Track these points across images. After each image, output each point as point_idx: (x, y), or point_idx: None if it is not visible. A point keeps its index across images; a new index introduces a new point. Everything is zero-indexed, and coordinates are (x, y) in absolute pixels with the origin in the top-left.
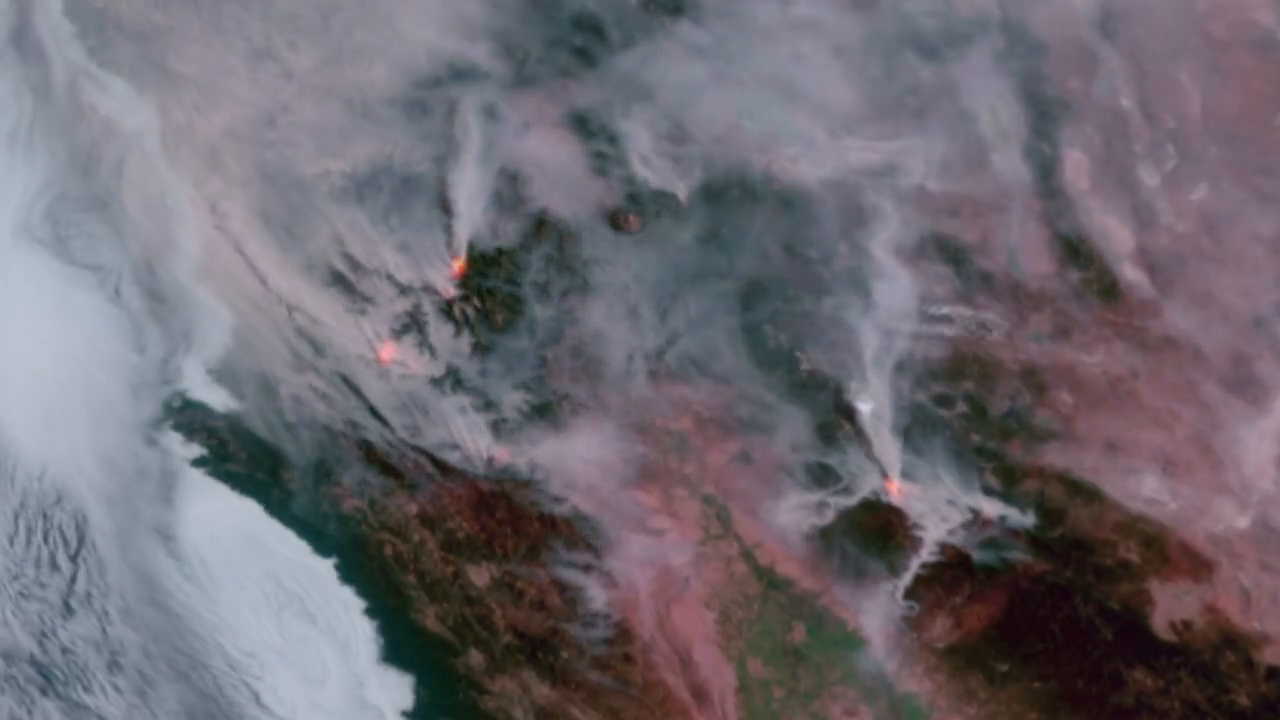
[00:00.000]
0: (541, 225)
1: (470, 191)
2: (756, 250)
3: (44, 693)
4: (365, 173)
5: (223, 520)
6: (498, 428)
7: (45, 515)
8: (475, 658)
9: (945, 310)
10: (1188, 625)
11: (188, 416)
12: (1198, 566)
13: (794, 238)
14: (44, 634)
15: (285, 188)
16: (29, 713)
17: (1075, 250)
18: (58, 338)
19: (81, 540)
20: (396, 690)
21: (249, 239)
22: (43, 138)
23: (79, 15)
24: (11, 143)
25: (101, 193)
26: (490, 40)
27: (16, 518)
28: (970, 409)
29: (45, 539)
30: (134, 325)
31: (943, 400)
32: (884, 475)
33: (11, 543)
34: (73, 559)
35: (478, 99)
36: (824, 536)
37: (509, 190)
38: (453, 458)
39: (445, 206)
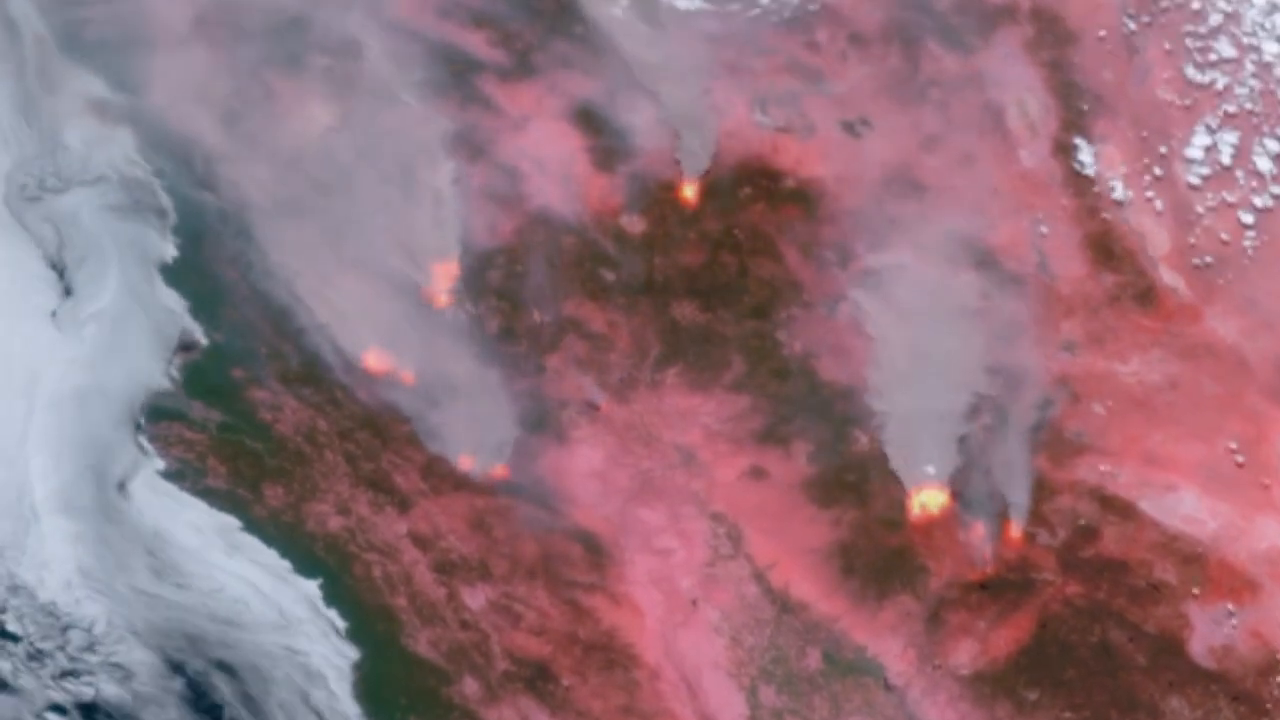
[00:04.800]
0: (541, 224)
1: (449, 188)
2: (769, 251)
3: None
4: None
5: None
6: (495, 439)
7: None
8: (470, 686)
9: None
10: (1228, 650)
11: (164, 429)
12: (1239, 588)
13: (809, 238)
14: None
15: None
16: None
17: (1109, 252)
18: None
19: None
20: None
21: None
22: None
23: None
24: None
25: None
26: (489, 28)
27: None
28: (996, 420)
29: None
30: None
31: (968, 411)
32: (906, 491)
33: None
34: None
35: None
36: (842, 556)
37: (507, 187)
38: (447, 472)
39: (435, 203)
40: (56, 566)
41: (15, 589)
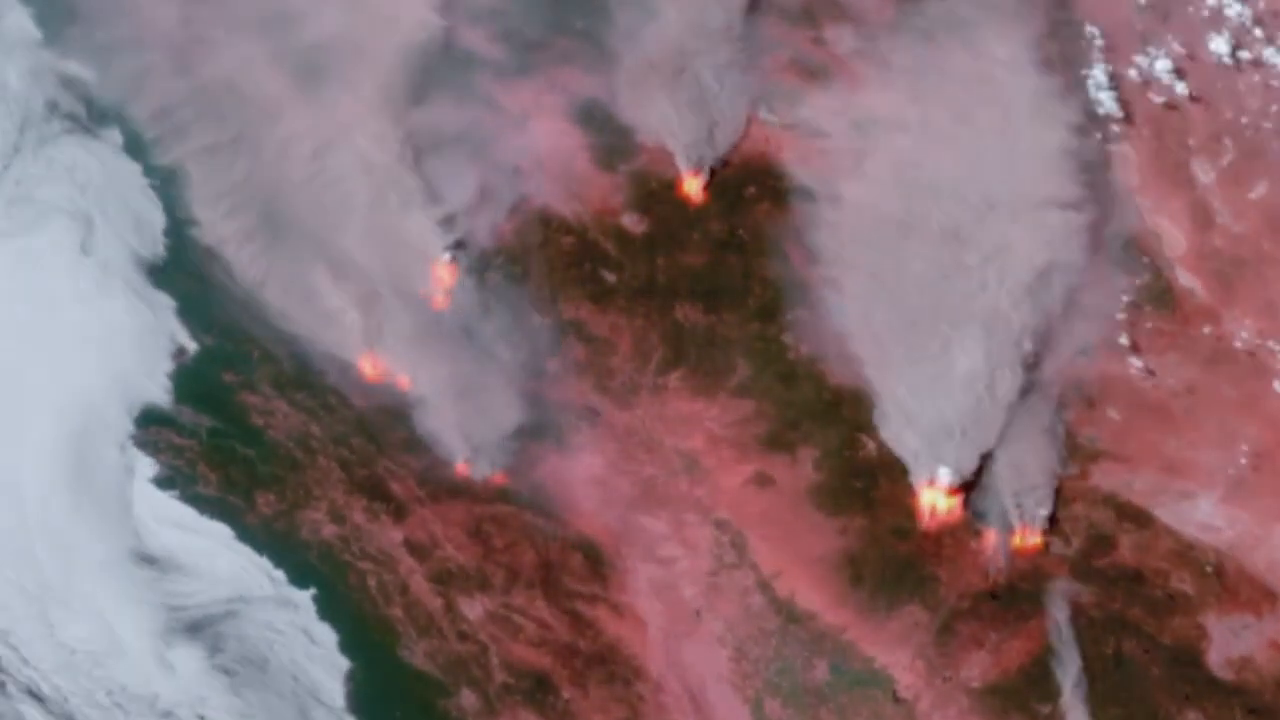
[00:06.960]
0: (541, 224)
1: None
2: (774, 251)
3: None
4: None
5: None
6: (493, 445)
7: None
8: (468, 698)
9: None
10: (1246, 662)
11: (153, 434)
12: (1258, 598)
13: (814, 238)
14: None
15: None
16: None
17: (1124, 253)
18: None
19: None
20: None
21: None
22: None
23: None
24: None
25: None
26: (488, 23)
27: None
28: (1008, 423)
29: None
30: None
31: (978, 414)
32: (915, 497)
33: None
34: None
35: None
36: (849, 565)
37: (506, 186)
38: (444, 479)
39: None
40: (144, 645)
41: (116, 690)
